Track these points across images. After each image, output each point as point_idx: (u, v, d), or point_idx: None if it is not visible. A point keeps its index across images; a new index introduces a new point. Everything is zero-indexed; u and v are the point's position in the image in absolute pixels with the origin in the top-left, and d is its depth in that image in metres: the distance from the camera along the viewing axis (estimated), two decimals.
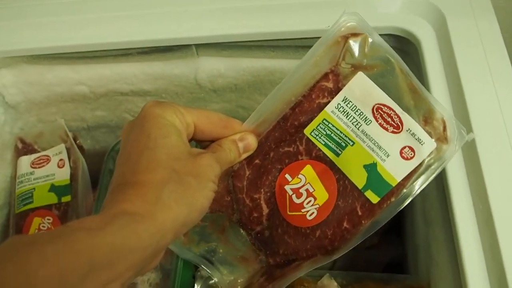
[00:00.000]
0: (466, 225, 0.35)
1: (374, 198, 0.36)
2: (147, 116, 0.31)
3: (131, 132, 0.32)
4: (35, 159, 0.58)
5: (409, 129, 0.35)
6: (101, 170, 0.56)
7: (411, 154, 0.35)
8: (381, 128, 0.35)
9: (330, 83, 0.36)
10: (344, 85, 0.36)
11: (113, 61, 0.54)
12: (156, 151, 0.30)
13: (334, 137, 0.36)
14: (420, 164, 0.35)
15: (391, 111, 0.35)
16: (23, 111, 0.61)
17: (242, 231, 0.39)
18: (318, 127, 0.36)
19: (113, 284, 0.24)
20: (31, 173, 0.57)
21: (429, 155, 0.35)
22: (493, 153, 0.39)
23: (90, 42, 0.51)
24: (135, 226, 0.25)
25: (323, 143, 0.36)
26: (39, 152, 0.59)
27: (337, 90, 0.36)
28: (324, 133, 0.36)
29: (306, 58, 0.36)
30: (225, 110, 0.60)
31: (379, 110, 0.35)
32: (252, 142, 0.36)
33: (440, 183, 0.35)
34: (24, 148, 0.60)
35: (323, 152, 0.37)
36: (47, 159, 0.58)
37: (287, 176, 0.37)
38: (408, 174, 0.35)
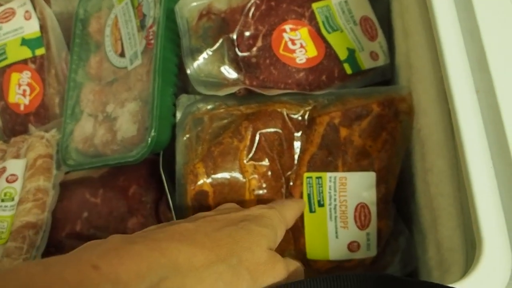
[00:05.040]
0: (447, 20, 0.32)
1: (348, 70, 0.44)
2: None
3: None
4: None
5: (379, 42, 0.46)
6: (72, 19, 0.52)
7: (376, 56, 0.46)
8: (362, 32, 0.46)
9: None
10: None
11: None
12: None
13: (330, 20, 0.45)
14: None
15: (372, 24, 0.47)
16: None
17: (237, 51, 0.41)
18: (322, 7, 0.45)
19: None
20: None
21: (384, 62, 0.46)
22: None
23: None
24: None
25: (321, 20, 0.45)
26: (1, 5, 0.55)
27: None
28: (324, 14, 0.45)
29: None
30: None
31: (366, 21, 0.46)
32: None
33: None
34: None
35: (319, 25, 0.44)
36: (12, 12, 0.54)
37: (287, 27, 0.44)
38: (372, 68, 0.45)
